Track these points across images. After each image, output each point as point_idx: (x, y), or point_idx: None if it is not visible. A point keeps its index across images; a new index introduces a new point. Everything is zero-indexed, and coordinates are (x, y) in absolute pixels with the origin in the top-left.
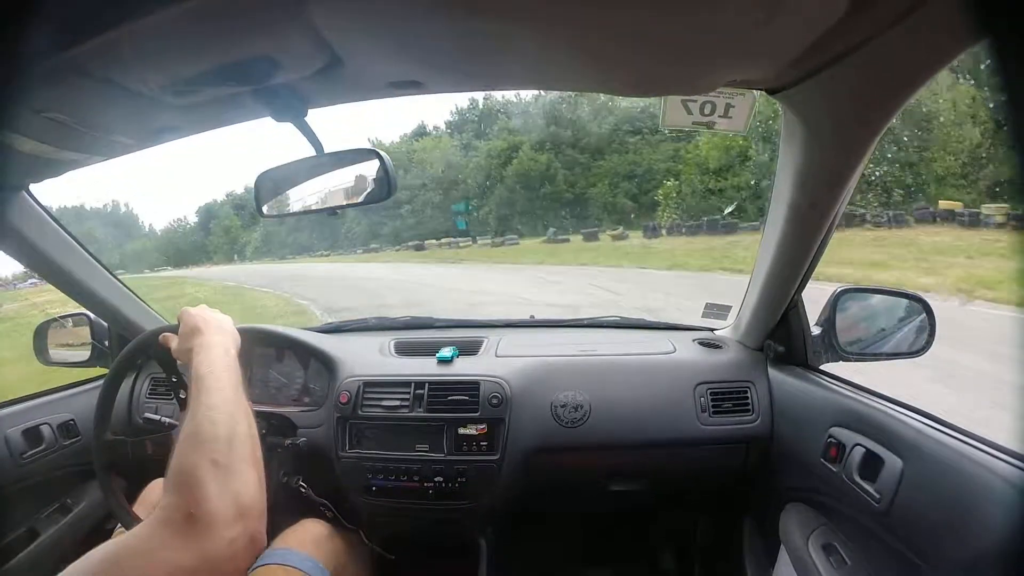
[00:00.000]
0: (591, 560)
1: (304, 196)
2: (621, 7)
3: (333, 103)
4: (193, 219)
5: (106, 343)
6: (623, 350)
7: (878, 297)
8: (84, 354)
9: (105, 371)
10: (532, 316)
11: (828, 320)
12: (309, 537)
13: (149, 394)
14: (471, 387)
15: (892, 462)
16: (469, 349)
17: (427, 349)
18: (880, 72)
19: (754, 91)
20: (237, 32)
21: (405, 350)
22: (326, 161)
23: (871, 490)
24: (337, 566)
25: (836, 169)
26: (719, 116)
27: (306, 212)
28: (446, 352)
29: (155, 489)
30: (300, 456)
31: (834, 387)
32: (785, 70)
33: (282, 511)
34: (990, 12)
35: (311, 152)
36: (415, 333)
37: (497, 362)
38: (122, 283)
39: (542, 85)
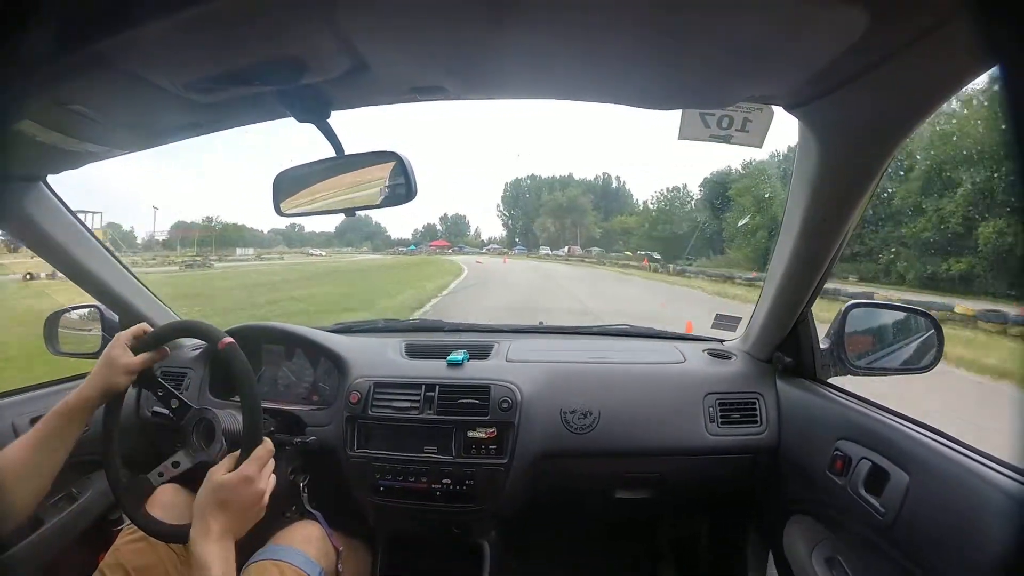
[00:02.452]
0: (594, 566)
1: (322, 196)
2: (646, 22)
3: (356, 106)
4: None
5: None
6: (633, 358)
7: (887, 312)
8: (95, 346)
9: None
10: (541, 322)
11: (837, 334)
12: (302, 536)
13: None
14: (482, 391)
15: (898, 476)
16: (480, 353)
17: (438, 352)
18: (896, 92)
19: (772, 106)
20: (265, 33)
21: (416, 352)
22: (346, 162)
23: (876, 504)
24: (330, 564)
25: (850, 185)
26: (736, 130)
27: (324, 212)
28: (457, 355)
29: (163, 493)
30: (308, 454)
31: (842, 400)
32: (803, 86)
33: (285, 509)
34: (1000, 37)
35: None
36: (425, 336)
37: (508, 367)
38: (135, 277)
39: (564, 96)
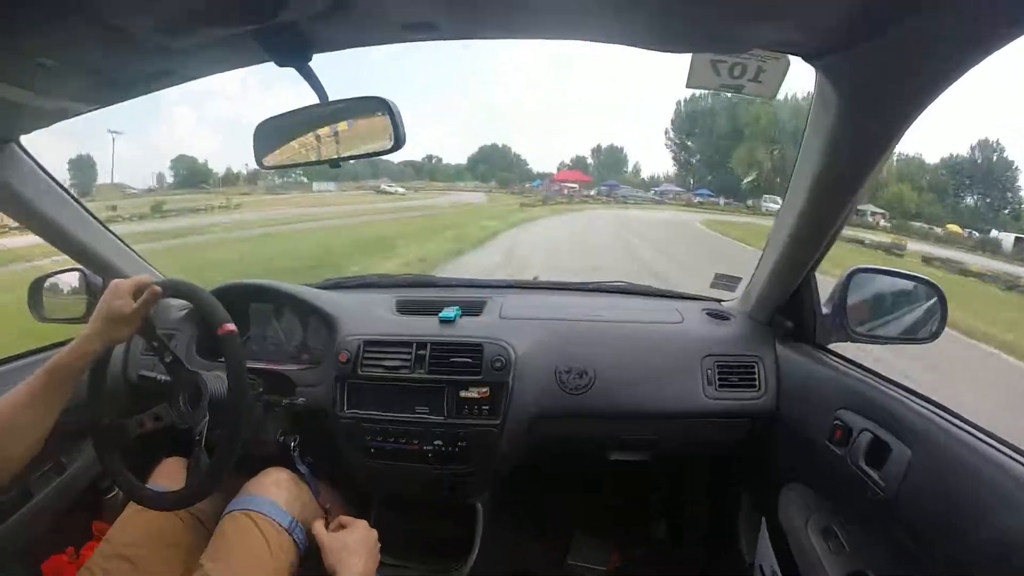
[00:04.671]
0: (587, 527)
1: (307, 146)
2: None
3: (340, 47)
4: None
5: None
6: (630, 317)
7: (891, 279)
8: (79, 310)
9: None
10: (536, 277)
11: (839, 299)
12: (271, 481)
13: (144, 351)
14: (474, 349)
15: (900, 451)
16: (473, 310)
17: (430, 308)
18: (928, 48)
19: (788, 56)
20: None
21: (407, 309)
22: (331, 110)
23: (876, 477)
24: (302, 508)
25: (869, 143)
26: (748, 80)
27: (308, 164)
28: (449, 312)
29: (168, 466)
30: (298, 415)
31: (843, 368)
32: (826, 36)
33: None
34: None
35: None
36: (418, 291)
37: (501, 324)
38: (116, 236)
39: (565, 35)
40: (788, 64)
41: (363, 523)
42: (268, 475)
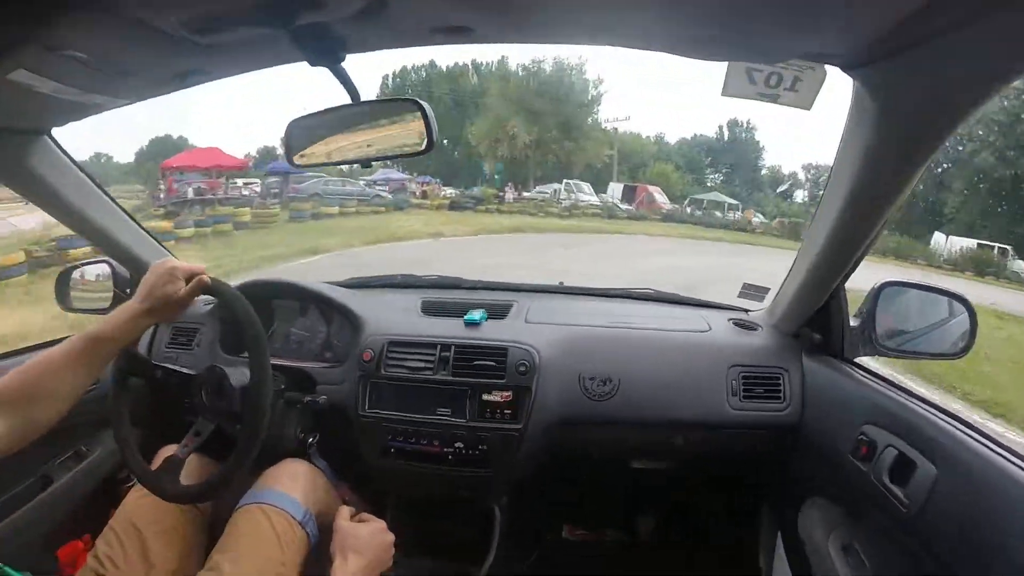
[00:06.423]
0: (605, 535)
1: (339, 146)
2: None
3: (373, 48)
4: None
5: (128, 291)
6: (656, 324)
7: (921, 293)
8: (106, 301)
9: None
10: (561, 283)
11: (869, 312)
12: (286, 474)
13: (169, 343)
14: (499, 353)
15: (926, 468)
16: (498, 313)
17: (455, 310)
18: (968, 61)
19: (825, 66)
20: None
21: (432, 310)
22: (363, 110)
23: (900, 495)
24: (317, 501)
25: (906, 156)
26: (784, 89)
27: (340, 163)
28: (475, 315)
29: (166, 452)
30: (319, 413)
31: (869, 382)
32: (866, 46)
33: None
34: None
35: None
36: (443, 293)
37: (526, 328)
38: (146, 230)
39: (602, 40)
40: (824, 74)
41: (382, 523)
42: (284, 468)
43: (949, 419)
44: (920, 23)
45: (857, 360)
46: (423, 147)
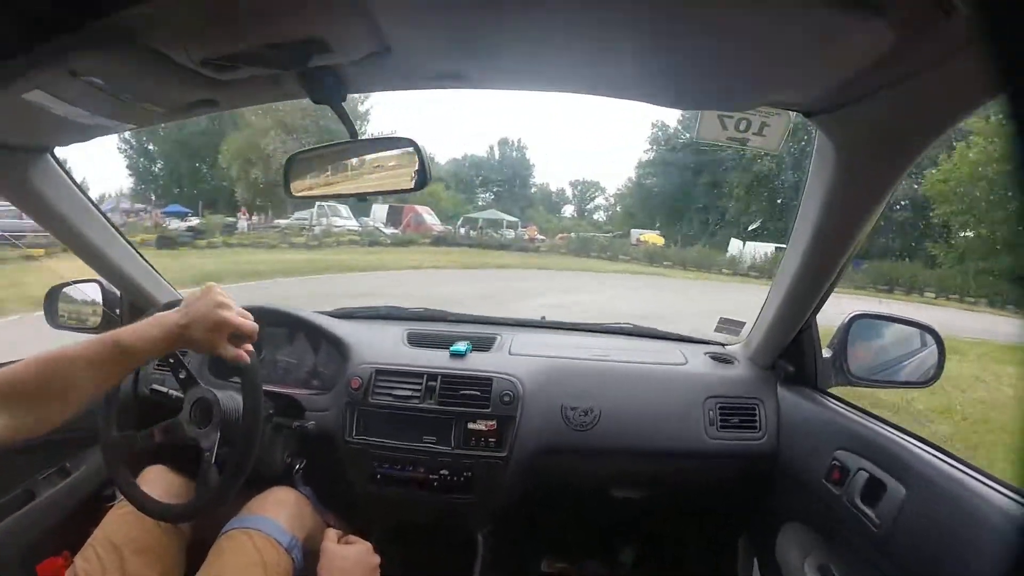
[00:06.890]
0: (585, 562)
1: (335, 180)
2: (681, 20)
3: (372, 90)
4: None
5: (117, 311)
6: (635, 358)
7: (890, 325)
8: (95, 321)
9: None
10: (543, 317)
11: (840, 344)
12: (272, 500)
13: (157, 365)
14: (484, 383)
15: (895, 489)
16: (482, 345)
17: (440, 342)
18: (918, 107)
19: (790, 112)
20: (291, 11)
21: (418, 341)
22: (360, 146)
23: (872, 515)
24: (303, 528)
25: (864, 196)
26: (753, 134)
27: (335, 196)
28: (460, 346)
29: (150, 473)
30: (306, 439)
31: (842, 410)
32: (825, 95)
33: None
34: (1010, 66)
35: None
36: (428, 325)
37: (510, 360)
38: (140, 254)
39: (586, 90)
40: (790, 120)
41: (368, 545)
42: (271, 494)
43: (917, 442)
44: (873, 76)
45: (830, 390)
46: (417, 183)
